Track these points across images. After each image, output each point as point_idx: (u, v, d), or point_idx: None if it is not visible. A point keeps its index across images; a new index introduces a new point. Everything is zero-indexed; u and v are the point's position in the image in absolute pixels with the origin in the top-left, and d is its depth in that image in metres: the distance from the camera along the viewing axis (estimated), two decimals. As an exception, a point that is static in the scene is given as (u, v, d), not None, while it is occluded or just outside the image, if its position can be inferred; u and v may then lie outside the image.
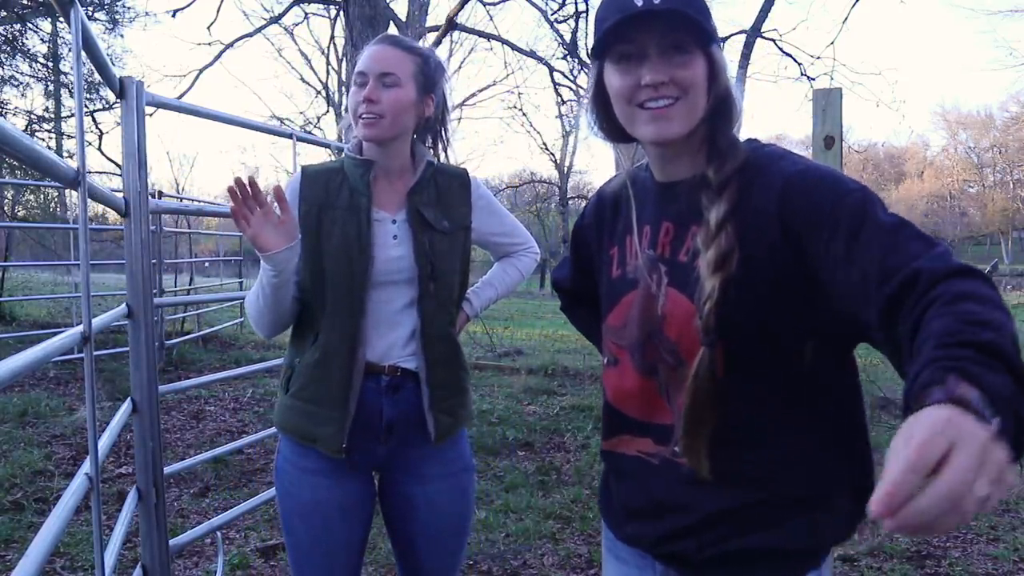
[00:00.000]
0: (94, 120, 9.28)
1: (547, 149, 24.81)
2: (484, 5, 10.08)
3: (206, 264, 12.08)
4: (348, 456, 1.34)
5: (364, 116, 1.31)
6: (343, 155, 1.42)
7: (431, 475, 1.42)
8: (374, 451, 1.38)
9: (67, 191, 7.55)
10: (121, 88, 1.58)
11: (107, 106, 9.01)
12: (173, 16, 9.62)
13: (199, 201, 9.13)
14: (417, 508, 1.42)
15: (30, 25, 8.55)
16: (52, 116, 9.27)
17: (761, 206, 0.85)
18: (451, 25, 8.76)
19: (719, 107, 0.90)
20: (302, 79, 21.75)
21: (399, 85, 1.33)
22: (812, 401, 0.90)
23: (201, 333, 7.45)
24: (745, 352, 0.86)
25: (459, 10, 8.61)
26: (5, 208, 10.30)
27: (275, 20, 13.55)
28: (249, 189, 1.21)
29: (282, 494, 1.40)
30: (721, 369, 0.86)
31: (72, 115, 9.12)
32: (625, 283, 0.99)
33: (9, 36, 8.42)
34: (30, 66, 8.86)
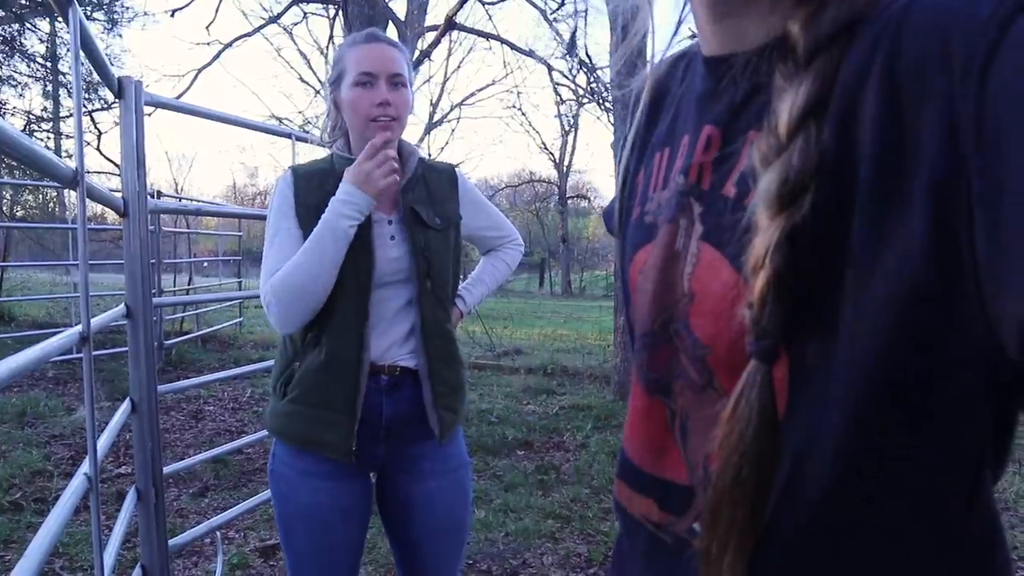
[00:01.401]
0: (92, 120, 9.28)
1: (546, 148, 24.87)
2: (483, 4, 10.08)
3: (205, 264, 12.07)
4: (370, 457, 1.34)
5: (381, 119, 1.31)
6: (331, 155, 1.41)
7: (430, 473, 1.42)
8: (373, 452, 1.38)
9: (66, 191, 7.54)
10: (120, 88, 1.57)
11: (106, 106, 9.01)
12: (172, 16, 9.61)
13: (198, 201, 9.10)
14: (417, 507, 1.42)
15: (28, 25, 8.54)
16: (51, 116, 9.26)
17: (857, 77, 0.42)
18: (450, 25, 8.75)
19: None
20: (301, 79, 21.82)
21: (405, 85, 1.35)
22: (955, 524, 0.45)
23: (200, 333, 7.44)
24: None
25: (458, 9, 8.61)
26: (4, 208, 10.29)
27: (274, 20, 13.52)
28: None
29: (279, 498, 1.39)
30: (784, 406, 0.44)
31: (71, 115, 9.11)
32: (640, 231, 0.59)
33: (7, 36, 8.41)
34: (28, 66, 8.86)
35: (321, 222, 1.27)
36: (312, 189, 1.35)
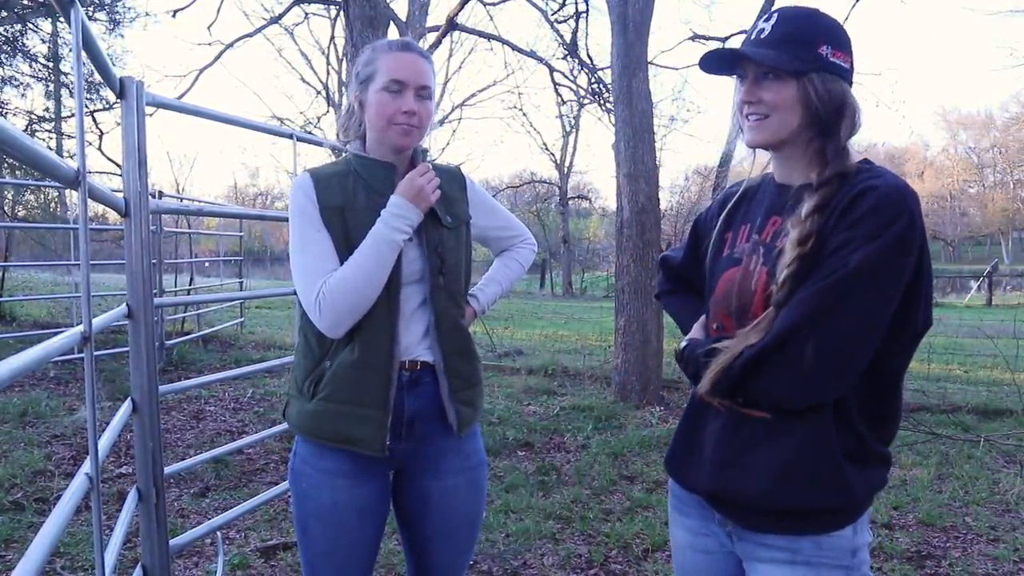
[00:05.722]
0: (94, 120, 9.30)
1: (547, 149, 24.83)
2: (484, 5, 10.10)
3: (206, 264, 12.07)
4: (391, 454, 1.35)
5: (403, 126, 1.34)
6: (348, 155, 1.43)
7: (449, 470, 1.44)
8: (395, 449, 1.38)
9: (67, 191, 7.55)
10: (121, 88, 1.58)
11: (107, 106, 9.03)
12: (173, 16, 9.64)
13: (199, 201, 9.11)
14: (434, 504, 1.44)
15: (30, 25, 8.55)
16: (52, 116, 9.28)
17: (837, 205, 1.01)
18: (451, 25, 8.76)
19: (823, 123, 1.06)
20: (302, 79, 21.78)
21: (430, 98, 1.38)
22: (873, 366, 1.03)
23: (201, 333, 7.44)
24: None
25: (459, 10, 8.61)
26: (5, 208, 10.30)
27: (275, 20, 13.56)
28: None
29: (299, 496, 1.39)
30: None
31: (72, 115, 9.12)
32: (731, 260, 1.18)
33: (9, 36, 8.42)
34: (30, 66, 8.87)
35: (374, 234, 1.30)
36: (332, 191, 1.36)
